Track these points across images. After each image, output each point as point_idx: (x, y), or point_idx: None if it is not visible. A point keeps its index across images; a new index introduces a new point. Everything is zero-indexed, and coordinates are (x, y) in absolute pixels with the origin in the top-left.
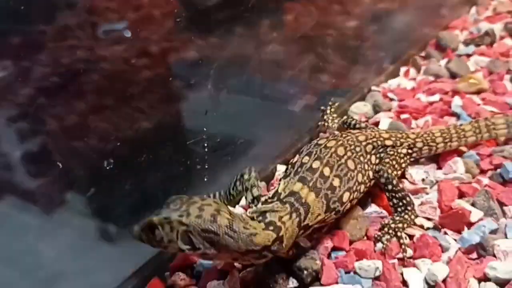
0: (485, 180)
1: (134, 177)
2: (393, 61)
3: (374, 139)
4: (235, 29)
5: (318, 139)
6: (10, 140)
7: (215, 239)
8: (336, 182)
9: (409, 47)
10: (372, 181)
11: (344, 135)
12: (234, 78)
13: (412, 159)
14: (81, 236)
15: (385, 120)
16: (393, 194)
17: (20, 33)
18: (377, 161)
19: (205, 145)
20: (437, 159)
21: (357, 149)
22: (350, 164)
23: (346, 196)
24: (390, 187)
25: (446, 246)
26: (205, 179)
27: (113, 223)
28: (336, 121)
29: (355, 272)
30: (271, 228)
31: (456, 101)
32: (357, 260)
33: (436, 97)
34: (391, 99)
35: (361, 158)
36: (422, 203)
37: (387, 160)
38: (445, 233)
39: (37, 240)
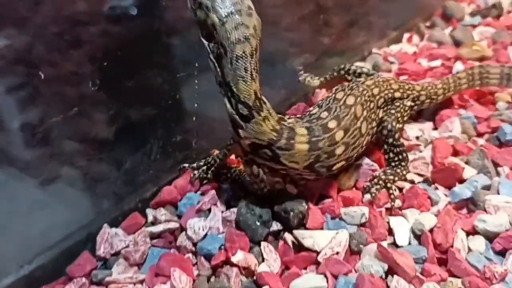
0: (481, 141)
1: (117, 103)
2: (396, 28)
3: (386, 92)
4: None
5: (335, 91)
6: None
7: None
8: (339, 150)
9: (414, 15)
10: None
11: (361, 89)
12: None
13: (412, 112)
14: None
15: None
16: (392, 148)
17: None
18: (383, 114)
19: (196, 82)
20: (434, 118)
21: (371, 105)
22: (363, 127)
23: (338, 165)
24: (391, 140)
25: (436, 199)
26: (194, 118)
27: (97, 152)
28: (316, 78)
29: (340, 218)
30: (256, 106)
31: (458, 66)
32: (343, 207)
33: (437, 62)
34: (392, 63)
35: (373, 116)
36: (414, 159)
37: (392, 111)
38: (436, 188)
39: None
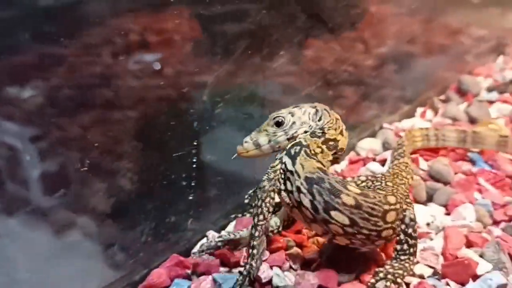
0: (497, 231)
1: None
2: (409, 102)
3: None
4: (252, 59)
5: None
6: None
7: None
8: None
9: (428, 89)
10: None
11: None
12: (237, 105)
13: None
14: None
15: None
16: (408, 239)
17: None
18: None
19: (193, 160)
20: (447, 204)
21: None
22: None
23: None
24: (410, 231)
25: None
26: (190, 198)
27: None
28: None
29: None
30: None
31: None
32: None
33: None
34: None
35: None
36: (424, 249)
37: (408, 200)
38: (447, 284)
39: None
